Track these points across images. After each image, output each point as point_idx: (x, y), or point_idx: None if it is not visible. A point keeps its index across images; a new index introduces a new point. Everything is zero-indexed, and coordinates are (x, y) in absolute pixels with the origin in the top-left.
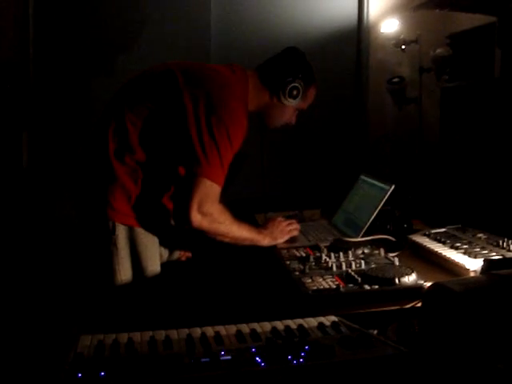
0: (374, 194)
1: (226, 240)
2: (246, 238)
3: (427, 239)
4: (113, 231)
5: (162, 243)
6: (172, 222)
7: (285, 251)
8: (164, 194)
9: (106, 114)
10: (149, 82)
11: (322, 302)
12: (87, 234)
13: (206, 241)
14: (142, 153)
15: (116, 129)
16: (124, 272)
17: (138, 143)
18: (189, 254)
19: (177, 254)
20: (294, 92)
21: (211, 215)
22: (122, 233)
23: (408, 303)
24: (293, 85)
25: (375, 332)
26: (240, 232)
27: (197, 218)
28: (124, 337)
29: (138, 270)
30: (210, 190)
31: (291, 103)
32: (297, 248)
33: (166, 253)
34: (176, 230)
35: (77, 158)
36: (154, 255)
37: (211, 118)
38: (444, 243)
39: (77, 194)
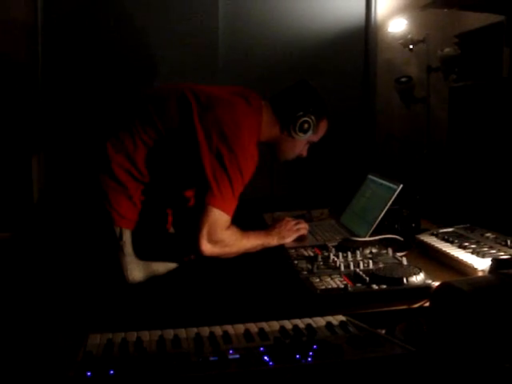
0: (382, 193)
1: (240, 254)
2: (256, 246)
3: (435, 239)
4: (120, 237)
5: (168, 246)
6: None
7: (293, 251)
8: (170, 205)
9: (114, 126)
10: (162, 105)
11: (330, 301)
12: (95, 240)
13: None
14: (145, 170)
15: (121, 143)
16: (132, 275)
17: (143, 161)
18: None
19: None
20: (305, 126)
21: (222, 241)
22: (129, 239)
23: (416, 303)
24: (303, 119)
25: (383, 332)
26: (250, 243)
27: (207, 248)
28: (133, 335)
29: (147, 273)
30: (220, 220)
31: (302, 137)
32: (305, 247)
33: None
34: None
35: (82, 166)
36: (164, 258)
37: (224, 151)
38: (452, 243)
39: (83, 201)
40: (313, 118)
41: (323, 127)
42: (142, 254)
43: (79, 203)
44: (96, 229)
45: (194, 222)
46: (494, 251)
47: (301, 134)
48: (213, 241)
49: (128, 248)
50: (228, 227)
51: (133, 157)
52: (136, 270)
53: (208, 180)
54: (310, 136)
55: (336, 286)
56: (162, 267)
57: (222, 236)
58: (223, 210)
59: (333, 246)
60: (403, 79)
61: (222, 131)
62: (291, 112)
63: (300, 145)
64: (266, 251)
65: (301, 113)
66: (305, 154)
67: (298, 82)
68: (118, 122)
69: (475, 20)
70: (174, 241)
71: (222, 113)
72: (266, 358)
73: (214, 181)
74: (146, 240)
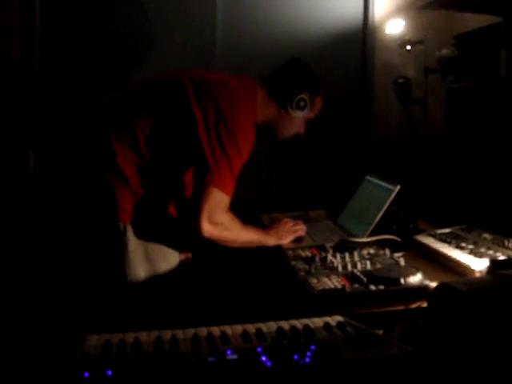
0: (380, 194)
1: (236, 245)
2: (254, 241)
3: (432, 239)
4: (124, 233)
5: (171, 243)
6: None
7: (290, 251)
8: (172, 195)
9: (113, 117)
10: (158, 90)
11: (328, 302)
12: (97, 235)
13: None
14: (149, 157)
15: (123, 133)
16: (135, 272)
17: (145, 149)
18: (189, 255)
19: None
20: (302, 103)
21: (222, 224)
22: (133, 235)
23: (414, 303)
24: (300, 97)
25: (381, 332)
26: (248, 235)
27: (207, 228)
28: (130, 336)
29: (150, 270)
30: (220, 200)
31: (299, 115)
32: (302, 248)
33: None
34: (182, 231)
35: (84, 161)
36: (167, 254)
37: (221, 130)
38: (449, 243)
39: (86, 197)
40: (308, 94)
41: (319, 103)
42: (145, 251)
43: (83, 199)
44: (100, 225)
45: (194, 203)
46: (491, 252)
47: (298, 112)
48: (213, 222)
49: (132, 244)
50: (228, 210)
51: (136, 145)
52: (139, 267)
53: (207, 160)
54: (307, 113)
55: (334, 286)
56: (164, 265)
57: (223, 218)
58: (223, 191)
59: (330, 247)
60: (401, 80)
61: (219, 111)
62: (287, 90)
63: (297, 122)
64: (263, 252)
65: (296, 91)
66: (302, 131)
67: (290, 60)
68: (118, 114)
69: (473, 21)
70: (176, 237)
71: (218, 94)
72: (263, 358)
73: (213, 161)
74: (150, 236)
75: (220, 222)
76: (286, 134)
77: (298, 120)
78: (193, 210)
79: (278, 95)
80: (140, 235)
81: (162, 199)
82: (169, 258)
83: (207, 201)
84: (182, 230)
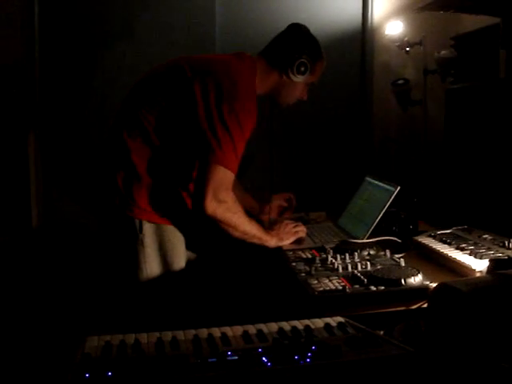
0: (380, 195)
1: (236, 234)
2: (254, 235)
3: (433, 240)
4: (140, 230)
5: (185, 238)
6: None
7: (291, 253)
8: (185, 188)
9: (121, 114)
10: (159, 79)
11: (328, 302)
12: (113, 234)
13: (212, 241)
14: (161, 150)
15: (133, 128)
16: (150, 268)
17: (157, 141)
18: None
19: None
20: (302, 68)
21: (226, 203)
22: (149, 231)
23: (414, 304)
24: (300, 61)
25: (381, 333)
26: (250, 227)
27: (212, 205)
28: (131, 338)
29: (164, 266)
30: (224, 177)
31: (300, 79)
32: (303, 249)
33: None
34: (195, 226)
35: (99, 160)
36: (181, 252)
37: (222, 106)
38: (450, 244)
39: (100, 196)
40: (309, 59)
41: (320, 68)
42: (160, 246)
43: (99, 199)
44: (116, 223)
45: (198, 182)
46: (491, 252)
47: (299, 76)
48: (218, 199)
49: (148, 240)
50: (232, 189)
51: (148, 139)
52: (154, 263)
53: (208, 138)
54: (308, 77)
55: (334, 287)
56: (176, 260)
57: (227, 196)
58: (226, 167)
59: (331, 248)
60: (400, 81)
61: (220, 90)
62: (286, 56)
63: (299, 87)
64: (264, 253)
65: (296, 55)
66: (305, 97)
67: (289, 26)
68: (126, 111)
69: (471, 22)
70: (191, 233)
71: (217, 71)
72: (264, 359)
73: (215, 139)
74: (164, 231)
75: (224, 200)
76: (288, 101)
77: (299, 85)
78: (196, 189)
79: (278, 62)
80: (155, 231)
81: (175, 193)
82: (180, 254)
83: (211, 178)
84: (193, 223)
